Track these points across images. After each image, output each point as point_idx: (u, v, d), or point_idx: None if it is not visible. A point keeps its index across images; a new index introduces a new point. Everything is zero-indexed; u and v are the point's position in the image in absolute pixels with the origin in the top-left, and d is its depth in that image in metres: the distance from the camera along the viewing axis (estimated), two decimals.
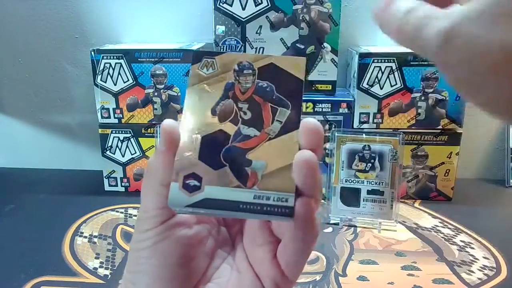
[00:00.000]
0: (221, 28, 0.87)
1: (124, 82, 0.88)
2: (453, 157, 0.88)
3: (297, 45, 0.87)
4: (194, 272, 0.29)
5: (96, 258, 0.71)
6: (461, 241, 0.76)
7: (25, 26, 0.99)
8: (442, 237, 0.77)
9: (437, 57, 0.20)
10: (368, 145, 0.79)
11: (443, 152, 0.88)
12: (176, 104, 0.88)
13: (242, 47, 0.88)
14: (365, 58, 0.84)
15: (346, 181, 0.80)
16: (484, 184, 1.00)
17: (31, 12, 0.98)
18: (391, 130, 0.87)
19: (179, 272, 0.28)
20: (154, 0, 0.96)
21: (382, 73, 0.84)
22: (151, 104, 0.88)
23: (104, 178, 0.94)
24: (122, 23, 0.98)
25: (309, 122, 0.26)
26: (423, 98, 0.85)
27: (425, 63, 0.83)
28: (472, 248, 0.74)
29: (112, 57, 0.86)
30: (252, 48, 0.88)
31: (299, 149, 0.26)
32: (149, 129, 0.90)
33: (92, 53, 0.86)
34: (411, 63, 0.84)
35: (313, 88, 0.89)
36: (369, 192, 0.79)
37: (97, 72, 0.87)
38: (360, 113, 0.87)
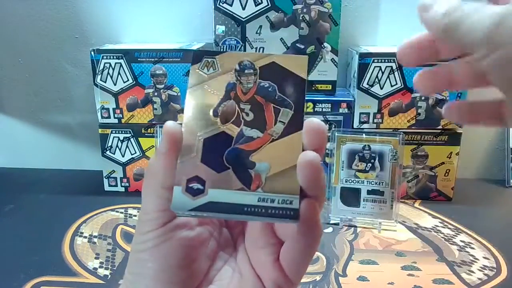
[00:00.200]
0: (221, 28, 0.87)
1: (124, 82, 0.88)
2: (453, 157, 0.88)
3: (297, 45, 0.87)
4: (195, 274, 0.29)
5: (96, 258, 0.71)
6: (461, 241, 0.76)
7: (25, 26, 0.98)
8: (442, 237, 0.77)
9: (488, 41, 0.21)
10: (368, 145, 0.79)
11: (443, 152, 0.88)
12: (176, 104, 0.88)
13: (242, 47, 0.88)
14: (365, 58, 0.84)
15: (346, 181, 0.80)
16: (484, 184, 1.00)
17: (31, 12, 0.97)
18: (391, 130, 0.87)
19: (180, 274, 0.28)
20: (154, 0, 0.96)
21: (382, 73, 0.84)
22: (151, 104, 0.88)
23: (104, 178, 0.94)
24: (122, 23, 0.98)
25: (313, 122, 0.26)
26: (423, 98, 0.85)
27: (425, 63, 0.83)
28: (472, 248, 0.74)
29: (112, 57, 0.86)
30: (252, 48, 0.88)
31: (303, 149, 0.26)
32: (149, 129, 0.90)
33: (92, 53, 0.86)
34: None
35: (313, 88, 0.89)
36: (369, 192, 0.79)
37: (97, 72, 0.87)
38: (360, 113, 0.87)
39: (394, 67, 0.84)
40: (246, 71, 0.28)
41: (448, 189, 0.90)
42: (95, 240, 0.76)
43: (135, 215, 0.84)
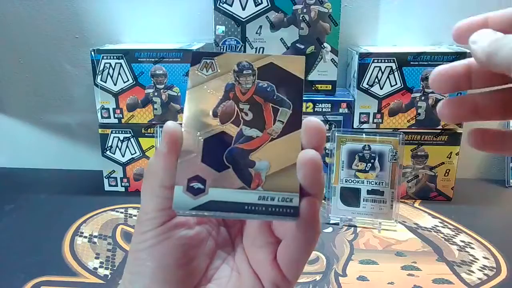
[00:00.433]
0: (221, 28, 0.87)
1: (124, 82, 0.88)
2: (453, 157, 0.88)
3: (297, 45, 0.87)
4: (194, 273, 0.29)
5: (96, 258, 0.71)
6: (461, 241, 0.76)
7: (25, 26, 0.99)
8: (442, 237, 0.77)
9: None
10: (368, 145, 0.79)
11: (443, 152, 0.88)
12: (176, 104, 0.88)
13: (242, 47, 0.88)
14: (365, 58, 0.84)
15: (346, 181, 0.80)
16: (484, 184, 1.00)
17: (31, 12, 0.98)
18: (391, 130, 0.87)
19: (179, 273, 0.28)
20: (154, 0, 0.96)
21: (382, 73, 0.84)
22: (151, 104, 0.88)
23: (104, 178, 0.94)
24: (122, 23, 0.98)
25: (311, 121, 0.26)
26: (423, 98, 0.85)
27: (425, 63, 0.83)
28: (472, 248, 0.74)
29: (112, 57, 0.86)
30: (252, 48, 0.88)
31: (302, 148, 0.26)
32: (149, 129, 0.90)
33: (92, 53, 0.86)
34: (411, 63, 0.84)
35: (313, 88, 0.89)
36: (369, 192, 0.79)
37: (97, 72, 0.87)
38: (360, 113, 0.87)
39: (394, 67, 0.84)
40: (244, 72, 0.29)
41: (448, 189, 0.90)
42: (95, 240, 0.76)
43: (135, 215, 0.84)
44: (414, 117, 0.87)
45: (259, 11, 0.86)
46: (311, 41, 0.87)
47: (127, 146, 0.91)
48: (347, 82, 0.96)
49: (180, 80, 0.87)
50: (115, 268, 0.68)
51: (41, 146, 1.07)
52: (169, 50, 0.85)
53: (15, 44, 1.00)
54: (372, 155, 0.79)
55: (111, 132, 0.91)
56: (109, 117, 0.90)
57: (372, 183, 0.79)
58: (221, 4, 0.86)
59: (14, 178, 1.02)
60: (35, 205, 0.89)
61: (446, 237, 0.77)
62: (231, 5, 0.86)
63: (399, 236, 0.77)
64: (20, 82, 1.03)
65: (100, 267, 0.69)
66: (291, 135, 0.27)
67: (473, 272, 0.67)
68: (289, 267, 0.27)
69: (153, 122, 0.90)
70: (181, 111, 0.88)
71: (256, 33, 0.87)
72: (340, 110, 0.86)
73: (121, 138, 0.91)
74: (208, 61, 0.29)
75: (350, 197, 0.80)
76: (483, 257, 0.71)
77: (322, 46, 0.87)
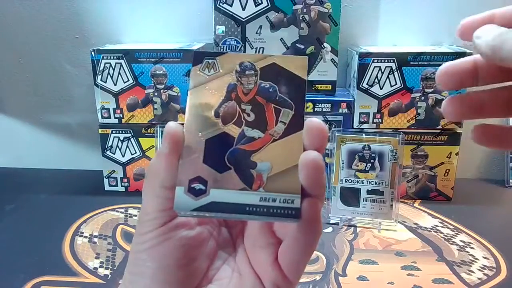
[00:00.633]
0: (221, 28, 0.87)
1: (124, 82, 0.88)
2: (453, 157, 0.88)
3: (297, 45, 0.87)
4: (194, 273, 0.29)
5: (96, 258, 0.71)
6: (461, 241, 0.76)
7: (25, 26, 0.98)
8: (442, 237, 0.77)
9: None
10: (368, 145, 0.79)
11: (443, 152, 0.88)
12: (176, 104, 0.88)
13: (242, 47, 0.88)
14: (365, 58, 0.84)
15: (346, 181, 0.80)
16: (484, 184, 1.00)
17: (31, 12, 0.97)
18: (391, 130, 0.87)
19: (179, 274, 0.28)
20: (154, 0, 0.96)
21: (382, 73, 0.84)
22: (151, 104, 0.88)
23: (104, 178, 0.94)
24: (122, 23, 0.98)
25: (313, 122, 0.26)
26: (423, 98, 0.85)
27: (425, 63, 0.83)
28: (472, 248, 0.74)
29: (112, 57, 0.86)
30: (252, 48, 0.88)
31: (304, 149, 0.26)
32: (149, 129, 0.90)
33: (92, 53, 0.86)
34: (411, 63, 0.84)
35: (313, 88, 0.89)
36: (369, 192, 0.79)
37: (97, 72, 0.87)
38: (360, 113, 0.87)
39: (394, 67, 0.84)
40: (246, 72, 0.29)
41: (448, 189, 0.90)
42: (95, 240, 0.76)
43: (135, 215, 0.84)
44: (414, 117, 0.87)
45: (259, 11, 0.86)
46: (311, 41, 0.87)
47: (127, 146, 0.91)
48: (347, 82, 0.96)
49: (180, 80, 0.87)
50: (115, 268, 0.68)
51: (41, 146, 1.07)
52: (169, 50, 0.85)
53: (15, 44, 1.00)
54: (372, 155, 0.79)
55: (111, 132, 0.91)
56: (109, 117, 0.90)
57: (372, 183, 0.79)
58: (221, 4, 0.86)
59: (14, 178, 1.02)
60: (35, 205, 0.89)
61: (446, 237, 0.77)
62: (231, 5, 0.86)
63: (399, 236, 0.77)
64: (20, 82, 1.02)
65: (100, 267, 0.69)
66: (293, 136, 0.27)
67: (473, 272, 0.67)
68: (290, 268, 0.27)
69: (153, 122, 0.90)
70: (181, 111, 0.88)
71: (256, 33, 0.87)
72: (340, 110, 0.86)
73: (121, 138, 0.91)
74: (210, 61, 0.29)
75: (350, 197, 0.80)
76: (483, 257, 0.71)
77: (322, 46, 0.87)
